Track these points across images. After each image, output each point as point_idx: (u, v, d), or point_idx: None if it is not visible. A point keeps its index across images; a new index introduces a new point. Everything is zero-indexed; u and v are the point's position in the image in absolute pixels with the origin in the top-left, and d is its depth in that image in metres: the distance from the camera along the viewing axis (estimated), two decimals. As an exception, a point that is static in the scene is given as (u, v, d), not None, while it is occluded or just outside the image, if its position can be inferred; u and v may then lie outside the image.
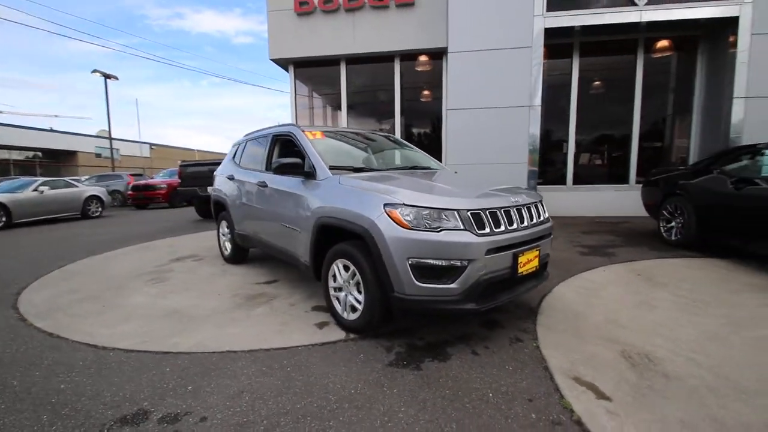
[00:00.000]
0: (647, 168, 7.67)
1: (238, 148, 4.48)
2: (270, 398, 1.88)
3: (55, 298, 3.44)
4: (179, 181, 8.36)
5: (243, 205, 3.93)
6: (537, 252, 2.52)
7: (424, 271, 2.18)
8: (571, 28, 6.92)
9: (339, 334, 2.59)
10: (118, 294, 3.50)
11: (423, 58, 8.19)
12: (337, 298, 2.69)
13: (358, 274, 2.45)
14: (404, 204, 2.23)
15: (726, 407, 1.74)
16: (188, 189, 8.25)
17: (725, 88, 6.67)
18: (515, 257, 2.35)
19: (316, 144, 3.16)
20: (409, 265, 2.18)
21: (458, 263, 2.16)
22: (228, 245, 4.46)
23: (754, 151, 4.11)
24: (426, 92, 8.49)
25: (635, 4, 6.61)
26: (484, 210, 2.27)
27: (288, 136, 3.49)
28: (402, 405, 1.81)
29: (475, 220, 2.22)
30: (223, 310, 3.07)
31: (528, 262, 2.44)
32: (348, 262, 2.53)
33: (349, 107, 8.48)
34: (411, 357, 2.27)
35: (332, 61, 8.37)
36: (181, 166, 8.34)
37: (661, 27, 6.92)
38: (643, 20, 6.57)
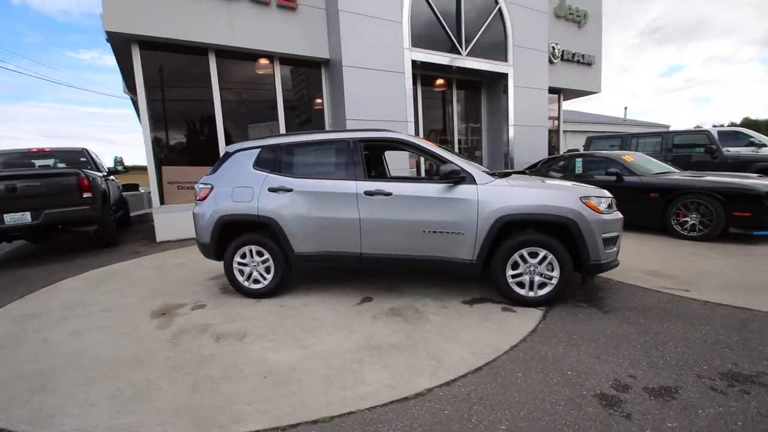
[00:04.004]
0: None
1: (259, 154, 3.62)
2: (638, 351, 2.41)
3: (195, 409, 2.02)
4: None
5: (321, 219, 3.37)
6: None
7: (607, 241, 3.14)
8: (416, 62, 8.74)
9: (532, 310, 3.09)
10: (247, 374, 2.41)
11: (303, 64, 8.09)
12: (519, 283, 3.17)
13: (551, 255, 3.08)
14: (595, 196, 3.11)
15: (721, 277, 3.66)
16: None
17: (502, 118, 10.31)
18: (612, 227, 3.65)
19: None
20: (602, 239, 3.09)
21: (618, 233, 3.25)
22: (266, 275, 3.54)
23: (569, 157, 7.06)
24: (309, 98, 8.40)
25: (460, 54, 9.17)
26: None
27: (392, 143, 3.44)
28: (673, 327, 2.76)
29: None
30: (403, 332, 2.83)
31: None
32: (536, 249, 3.10)
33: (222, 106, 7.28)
34: (600, 308, 3.15)
35: (197, 50, 6.94)
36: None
37: (466, 72, 9.82)
38: (465, 65, 9.22)
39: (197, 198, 3.75)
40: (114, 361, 2.53)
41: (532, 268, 3.14)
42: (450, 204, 3.19)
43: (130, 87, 8.92)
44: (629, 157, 6.41)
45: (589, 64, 12.51)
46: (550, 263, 3.11)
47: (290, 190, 3.45)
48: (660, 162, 6.68)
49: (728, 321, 2.76)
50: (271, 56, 7.64)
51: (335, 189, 3.38)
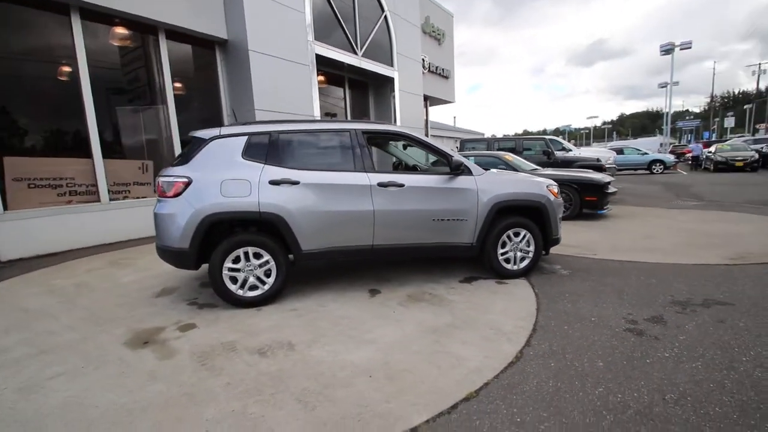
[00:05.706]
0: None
1: (248, 142, 3.16)
2: (614, 298, 3.19)
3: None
4: None
5: (334, 213, 3.19)
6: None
7: (559, 220, 4.00)
8: (318, 56, 8.68)
9: (518, 281, 3.70)
10: (345, 377, 2.17)
11: (194, 42, 6.98)
12: (506, 259, 3.74)
13: (529, 234, 3.75)
14: (551, 184, 3.91)
15: (603, 243, 5.04)
16: None
17: (388, 119, 11.08)
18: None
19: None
20: (558, 218, 3.92)
21: (561, 214, 4.16)
22: (266, 279, 3.12)
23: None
24: (201, 82, 7.25)
25: (356, 54, 9.46)
26: (550, 186, 4.36)
27: (394, 137, 3.55)
28: (615, 279, 3.73)
29: None
30: (444, 313, 3.03)
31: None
32: (519, 229, 3.73)
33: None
34: (558, 273, 3.99)
35: (53, 5, 5.24)
36: None
37: (358, 72, 10.19)
38: (362, 66, 9.57)
39: (165, 194, 3.02)
40: (152, 405, 1.93)
41: (515, 246, 3.75)
42: (456, 193, 3.51)
43: None
44: (509, 156, 7.92)
45: (446, 77, 14.54)
46: (528, 240, 3.77)
47: (296, 183, 3.15)
48: (526, 161, 8.46)
49: (641, 271, 3.92)
50: (154, 26, 6.36)
51: (348, 181, 3.26)
